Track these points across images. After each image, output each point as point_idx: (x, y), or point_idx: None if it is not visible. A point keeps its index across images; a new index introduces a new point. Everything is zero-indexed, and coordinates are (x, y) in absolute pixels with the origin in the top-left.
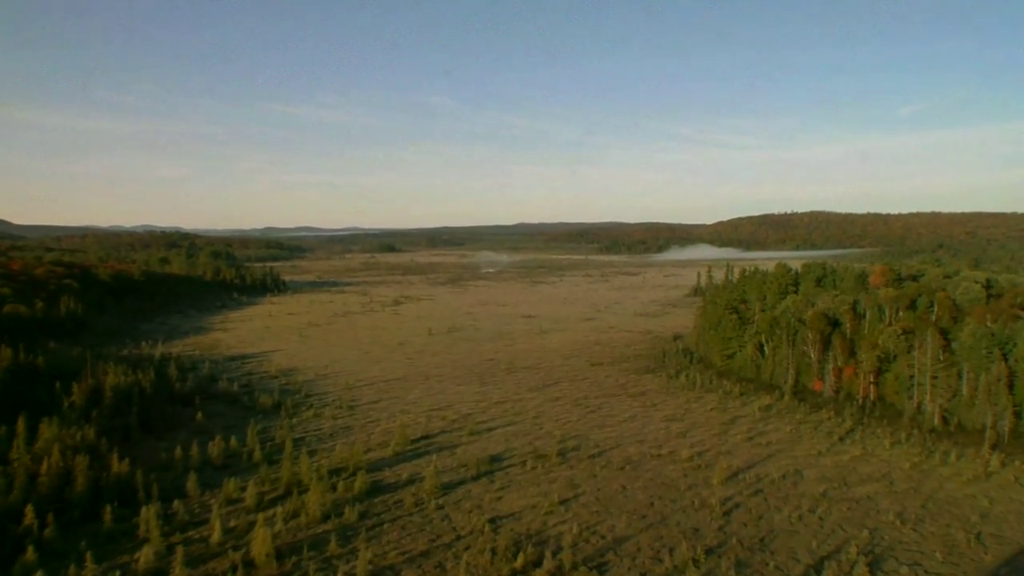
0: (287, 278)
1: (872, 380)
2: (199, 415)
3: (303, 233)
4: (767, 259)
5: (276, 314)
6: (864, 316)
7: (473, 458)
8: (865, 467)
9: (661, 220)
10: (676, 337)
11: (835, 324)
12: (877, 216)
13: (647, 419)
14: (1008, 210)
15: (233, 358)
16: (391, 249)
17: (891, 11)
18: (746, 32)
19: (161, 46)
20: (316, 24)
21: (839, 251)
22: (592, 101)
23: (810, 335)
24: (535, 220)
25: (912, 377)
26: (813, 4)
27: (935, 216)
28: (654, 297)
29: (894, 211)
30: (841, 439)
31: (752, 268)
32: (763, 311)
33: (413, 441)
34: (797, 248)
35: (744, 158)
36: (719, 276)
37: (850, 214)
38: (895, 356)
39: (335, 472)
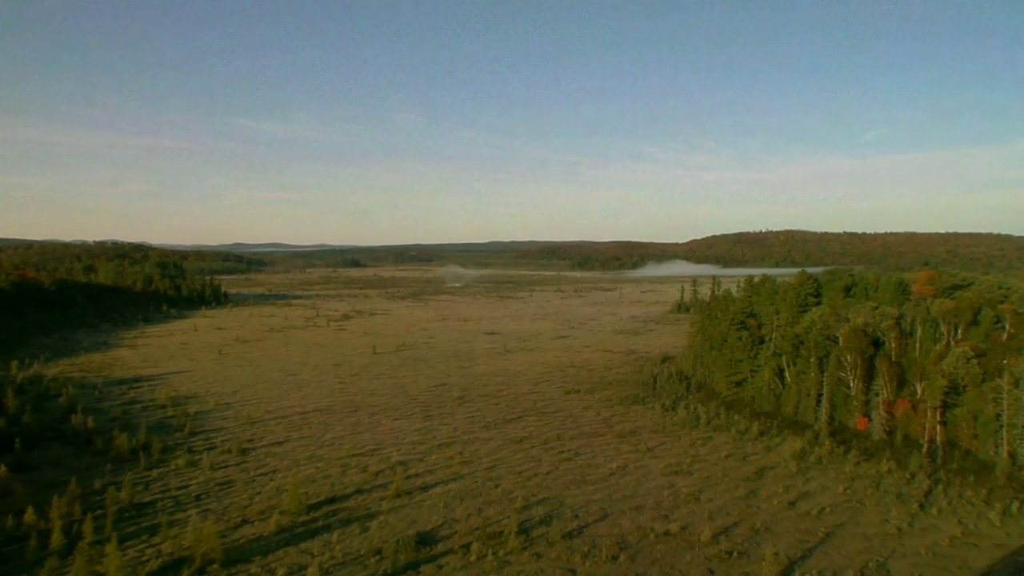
0: (235, 291)
1: (939, 419)
2: (2, 468)
3: (271, 249)
4: (748, 275)
5: (203, 329)
6: (911, 334)
7: (392, 538)
8: (979, 557)
9: (632, 239)
10: (665, 358)
11: (876, 344)
12: (854, 235)
13: (643, 471)
14: (983, 231)
15: (123, 381)
16: (356, 264)
17: (852, 42)
18: (709, 58)
19: (127, 59)
20: (284, 41)
21: (821, 268)
22: (562, 121)
23: (848, 358)
24: (506, 238)
25: (999, 416)
26: (773, 35)
27: (912, 236)
28: (633, 313)
29: (867, 230)
30: (921, 506)
31: (760, 277)
32: (778, 327)
33: (312, 507)
34: (776, 265)
35: (712, 179)
36: (704, 292)
37: (826, 233)
38: (965, 387)
39: (172, 567)
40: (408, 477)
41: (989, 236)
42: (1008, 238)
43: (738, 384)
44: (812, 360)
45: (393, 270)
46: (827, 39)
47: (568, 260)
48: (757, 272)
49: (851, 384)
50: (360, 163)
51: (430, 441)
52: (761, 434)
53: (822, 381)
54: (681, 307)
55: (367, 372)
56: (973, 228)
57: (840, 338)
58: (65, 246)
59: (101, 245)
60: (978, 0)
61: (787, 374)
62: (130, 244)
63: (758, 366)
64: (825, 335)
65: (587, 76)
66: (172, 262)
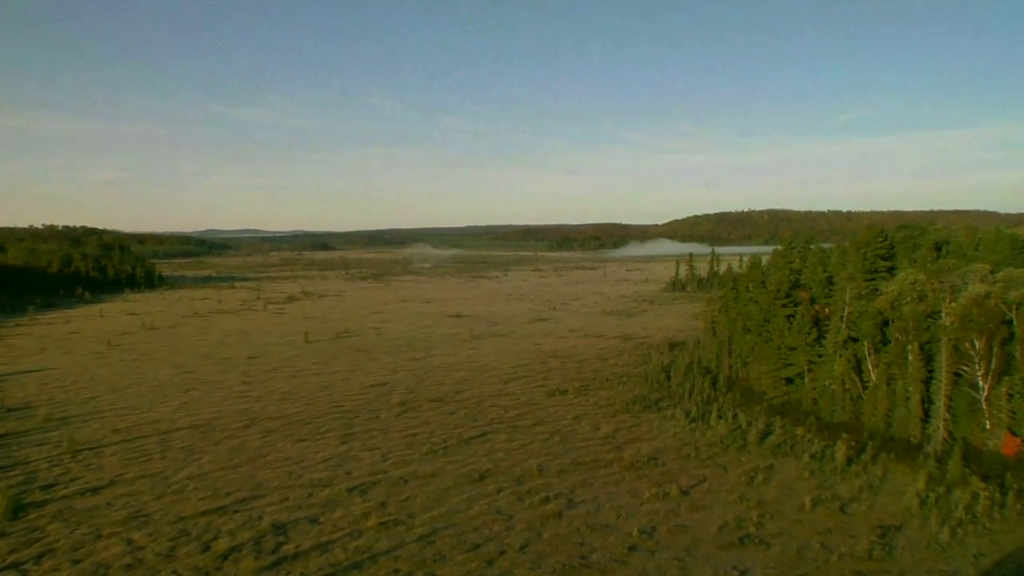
0: (180, 273)
1: None
2: None
3: (245, 235)
4: (738, 254)
5: (112, 314)
6: None
7: None
8: None
9: (611, 221)
10: (673, 345)
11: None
12: (839, 213)
13: (685, 540)
14: (970, 208)
15: None
16: (324, 247)
17: (823, 26)
18: (683, 45)
19: (98, 44)
20: (259, 26)
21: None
22: (539, 107)
23: (979, 344)
24: (483, 222)
25: None
26: (744, 21)
27: (898, 214)
28: (622, 292)
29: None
30: None
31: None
32: (851, 300)
33: None
34: (765, 243)
35: (689, 163)
36: (702, 269)
37: (811, 211)
38: None
39: None
40: (276, 563)
41: (974, 213)
42: (994, 215)
43: (789, 381)
44: (911, 347)
45: (362, 252)
46: (798, 24)
47: (546, 241)
48: (749, 251)
49: (980, 384)
50: (336, 148)
51: (339, 481)
52: (849, 461)
53: (928, 378)
54: (676, 285)
55: (287, 368)
56: (952, 207)
57: (945, 315)
58: (11, 231)
59: (51, 228)
60: None
61: (868, 368)
62: (83, 228)
63: (820, 356)
64: (924, 311)
65: (562, 63)
66: (119, 244)
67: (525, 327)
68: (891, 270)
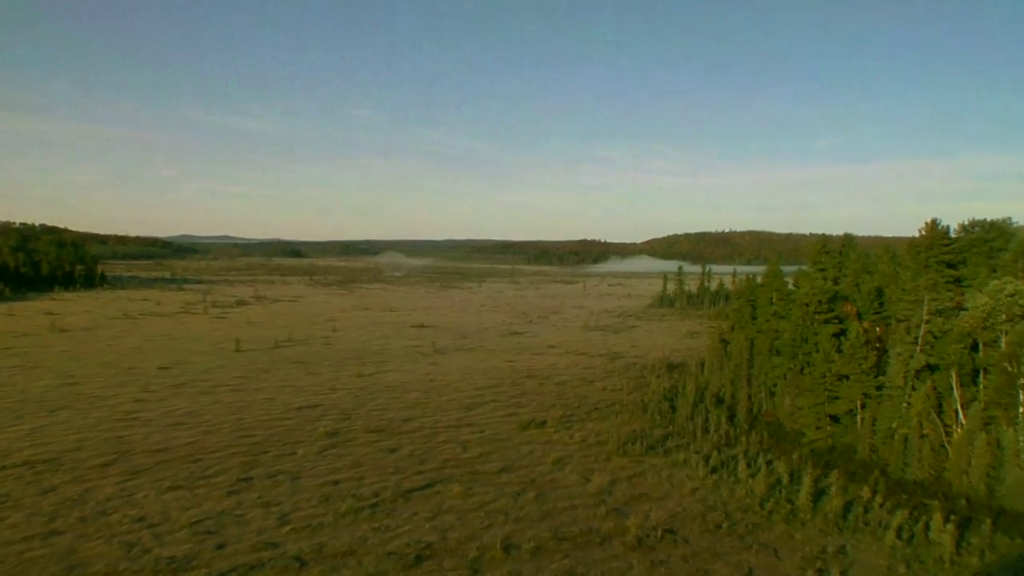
0: (132, 274)
1: None
2: None
3: (221, 241)
4: (725, 273)
5: (23, 314)
6: None
7: None
8: None
9: (589, 238)
10: (672, 366)
11: None
12: (821, 236)
13: None
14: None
15: None
16: (296, 254)
17: (799, 53)
18: (663, 67)
19: (80, 47)
20: (239, 34)
21: (799, 267)
22: (518, 124)
23: None
24: (462, 236)
25: None
26: (722, 47)
27: (878, 239)
28: (605, 306)
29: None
30: None
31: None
32: (928, 319)
33: None
34: (748, 262)
35: (667, 183)
36: (691, 285)
37: (792, 234)
38: None
39: None
40: None
41: None
42: None
43: (835, 419)
44: None
45: (333, 260)
46: (778, 52)
47: (524, 255)
48: (745, 269)
49: None
50: (316, 158)
51: (200, 562)
52: (959, 547)
53: None
54: (664, 300)
55: (201, 382)
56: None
57: None
58: None
59: (7, 225)
60: (926, 16)
61: (951, 407)
62: (42, 226)
63: (879, 389)
64: None
65: (545, 81)
66: (72, 242)
67: (497, 341)
68: (958, 280)
